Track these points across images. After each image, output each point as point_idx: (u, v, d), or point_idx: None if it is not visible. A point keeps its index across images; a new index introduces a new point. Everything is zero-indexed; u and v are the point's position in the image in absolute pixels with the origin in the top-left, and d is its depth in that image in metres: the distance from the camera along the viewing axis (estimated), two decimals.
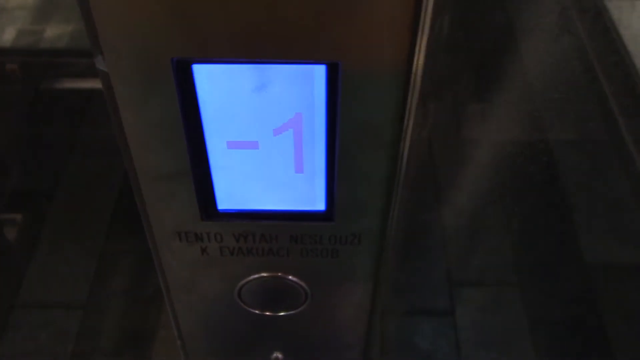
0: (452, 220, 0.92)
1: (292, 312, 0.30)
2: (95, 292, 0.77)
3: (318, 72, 0.22)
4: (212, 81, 0.22)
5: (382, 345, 0.82)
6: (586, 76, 0.95)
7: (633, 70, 0.90)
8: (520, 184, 0.95)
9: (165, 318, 0.73)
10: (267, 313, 0.30)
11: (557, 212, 0.93)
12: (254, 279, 0.29)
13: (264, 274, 0.28)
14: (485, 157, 0.97)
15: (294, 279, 0.29)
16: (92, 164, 0.96)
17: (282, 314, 0.30)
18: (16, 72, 1.13)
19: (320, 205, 0.26)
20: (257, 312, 0.30)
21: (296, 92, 0.23)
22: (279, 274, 0.29)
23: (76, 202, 0.93)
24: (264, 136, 0.24)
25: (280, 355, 0.33)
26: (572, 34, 0.99)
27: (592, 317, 0.85)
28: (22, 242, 0.93)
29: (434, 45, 0.22)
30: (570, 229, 0.91)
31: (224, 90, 0.23)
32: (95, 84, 0.96)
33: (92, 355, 0.72)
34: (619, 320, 0.84)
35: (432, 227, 0.93)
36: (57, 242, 0.94)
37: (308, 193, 0.26)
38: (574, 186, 0.94)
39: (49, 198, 0.98)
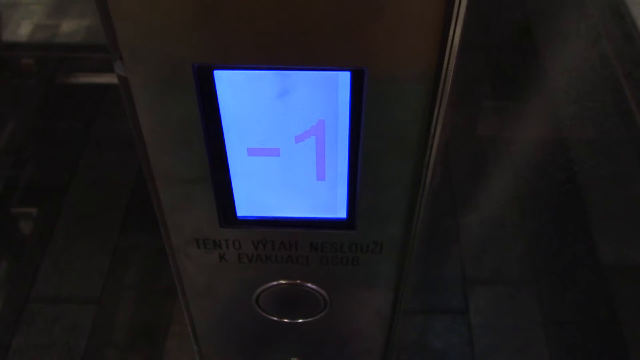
0: (468, 218, 0.91)
1: (310, 319, 0.30)
2: (108, 286, 0.77)
3: (342, 79, 0.21)
4: (234, 87, 0.22)
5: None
6: (606, 75, 0.93)
7: None
8: (536, 183, 0.94)
9: (178, 313, 0.73)
10: (285, 320, 0.30)
11: (573, 212, 0.92)
12: (273, 286, 0.28)
13: (283, 282, 0.28)
14: (502, 157, 0.95)
15: (313, 286, 0.28)
16: (107, 158, 0.96)
17: (300, 321, 0.30)
18: (31, 66, 1.13)
19: (341, 213, 0.25)
20: (275, 318, 0.30)
21: (319, 98, 0.22)
22: (298, 281, 0.28)
23: (90, 197, 0.94)
24: (285, 143, 0.23)
25: None
26: (592, 32, 0.97)
27: (607, 318, 0.84)
28: (37, 236, 0.94)
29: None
30: (587, 229, 0.90)
31: (245, 97, 0.22)
32: (110, 78, 0.96)
33: (105, 349, 0.72)
34: (635, 321, 0.83)
35: (447, 225, 0.92)
36: (72, 237, 0.94)
37: (329, 201, 0.25)
38: (591, 186, 0.93)
39: (64, 192, 0.98)
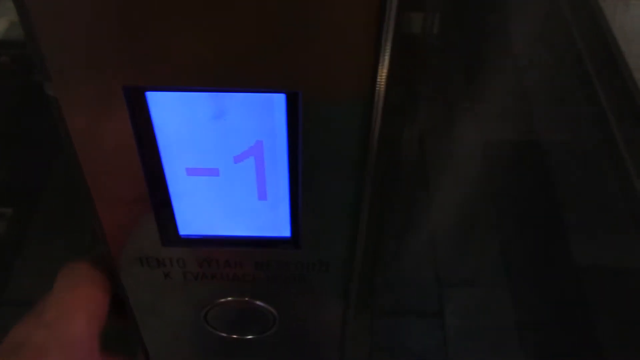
0: (442, 219, 0.92)
1: (260, 335, 0.30)
2: None
3: (278, 101, 0.21)
4: (168, 109, 0.21)
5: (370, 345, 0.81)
6: (579, 77, 0.94)
7: (626, 71, 0.89)
8: (511, 185, 0.94)
9: None
10: (235, 336, 0.30)
11: (547, 213, 0.93)
12: (220, 303, 0.28)
13: (230, 299, 0.28)
14: (477, 158, 0.96)
15: (262, 304, 0.28)
16: None
17: (250, 337, 0.30)
18: (8, 64, 1.12)
19: (285, 232, 0.25)
20: (224, 335, 0.30)
21: (255, 120, 0.22)
22: (246, 298, 0.28)
23: (65, 198, 0.93)
24: (224, 163, 0.23)
25: None
26: (565, 33, 0.97)
27: (581, 318, 0.85)
28: (11, 237, 0.93)
29: (398, 70, 0.21)
30: (561, 231, 0.90)
31: (180, 118, 0.22)
32: None
33: None
34: (608, 321, 0.84)
35: (422, 226, 0.92)
36: (46, 238, 0.93)
37: (273, 220, 0.25)
38: (565, 187, 0.93)
39: (39, 193, 0.97)
